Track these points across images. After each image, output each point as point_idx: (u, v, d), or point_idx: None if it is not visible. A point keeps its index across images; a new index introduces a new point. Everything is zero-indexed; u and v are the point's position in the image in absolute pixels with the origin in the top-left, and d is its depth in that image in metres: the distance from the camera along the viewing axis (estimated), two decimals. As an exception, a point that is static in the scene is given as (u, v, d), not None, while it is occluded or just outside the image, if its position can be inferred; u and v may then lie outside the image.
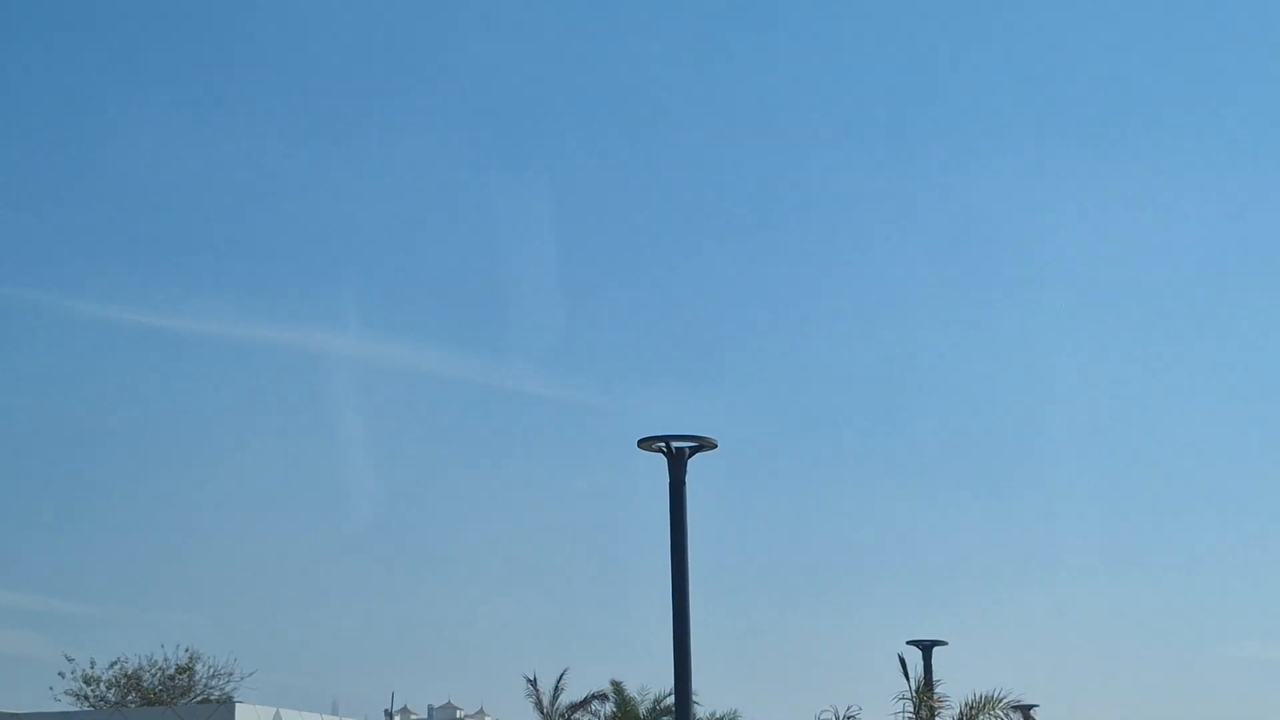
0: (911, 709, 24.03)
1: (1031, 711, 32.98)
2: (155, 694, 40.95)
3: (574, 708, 39.73)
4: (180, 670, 43.89)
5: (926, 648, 24.79)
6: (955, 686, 26.27)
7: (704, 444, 16.19)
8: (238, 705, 33.94)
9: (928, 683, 24.23)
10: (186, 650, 43.94)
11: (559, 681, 39.48)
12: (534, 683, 39.30)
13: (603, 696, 40.23)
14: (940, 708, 24.14)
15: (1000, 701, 24.61)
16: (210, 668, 43.40)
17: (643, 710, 41.33)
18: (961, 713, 24.46)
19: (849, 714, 22.46)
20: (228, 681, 45.52)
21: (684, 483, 16.09)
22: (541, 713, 38.58)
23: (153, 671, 41.65)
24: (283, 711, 43.52)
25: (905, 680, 24.52)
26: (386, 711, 53.47)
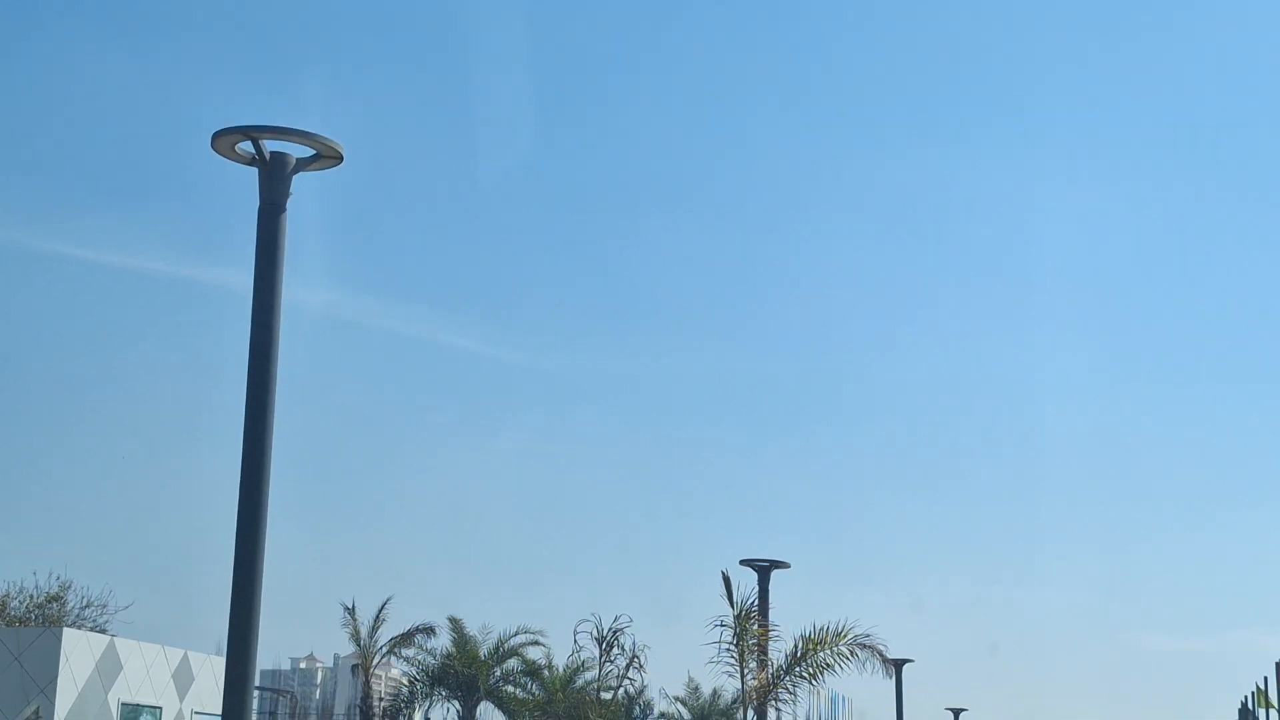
0: (732, 636, 19.36)
1: (904, 667, 30.17)
2: (23, 622, 39.62)
3: (397, 641, 35.80)
4: (50, 598, 42.32)
5: (763, 569, 20.15)
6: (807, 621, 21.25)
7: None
8: (65, 630, 32.03)
9: (762, 608, 19.83)
10: (58, 579, 42.45)
11: (380, 611, 35.19)
12: (351, 611, 35.06)
13: (428, 630, 36.32)
14: (765, 636, 19.66)
15: (845, 635, 19.78)
16: (83, 598, 42.01)
17: (484, 650, 38.10)
18: (797, 645, 19.95)
19: (617, 625, 19.94)
20: (101, 613, 44.21)
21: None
22: (358, 644, 34.63)
23: (21, 599, 40.43)
24: (117, 640, 42.67)
25: (729, 602, 19.67)
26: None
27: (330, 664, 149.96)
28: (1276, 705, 38.27)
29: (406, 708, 37.00)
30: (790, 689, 18.76)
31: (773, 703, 18.83)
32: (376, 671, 41.79)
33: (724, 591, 18.74)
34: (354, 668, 33.44)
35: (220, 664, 55.24)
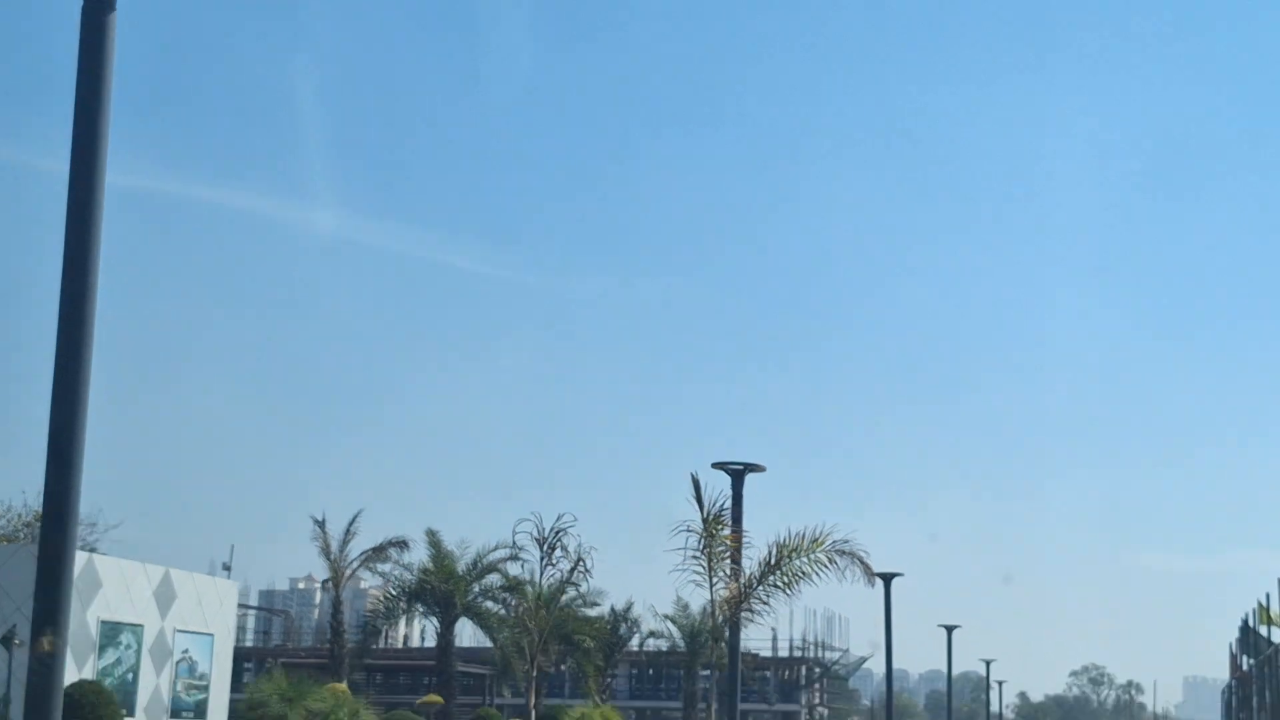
0: (699, 542, 17.48)
1: (893, 581, 28.52)
2: (10, 540, 39.19)
3: (368, 555, 34.23)
4: (40, 517, 42.22)
5: (737, 473, 18.20)
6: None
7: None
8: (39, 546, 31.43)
9: (735, 515, 17.81)
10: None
11: (350, 525, 33.36)
12: (322, 525, 33.32)
13: (402, 544, 34.63)
14: (737, 542, 17.75)
15: (823, 542, 17.78)
16: None
17: (462, 566, 36.71)
18: (770, 552, 18.00)
19: (561, 524, 18.28)
20: (90, 532, 43.93)
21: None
22: (328, 558, 33.02)
23: (8, 518, 39.89)
24: (95, 557, 42.36)
25: (697, 507, 17.68)
26: (225, 565, 51.73)
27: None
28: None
29: (384, 623, 35.63)
30: (764, 599, 17.10)
31: (746, 614, 17.15)
32: (362, 589, 40.55)
33: (693, 494, 16.76)
34: (324, 582, 31.94)
35: (206, 582, 54.40)
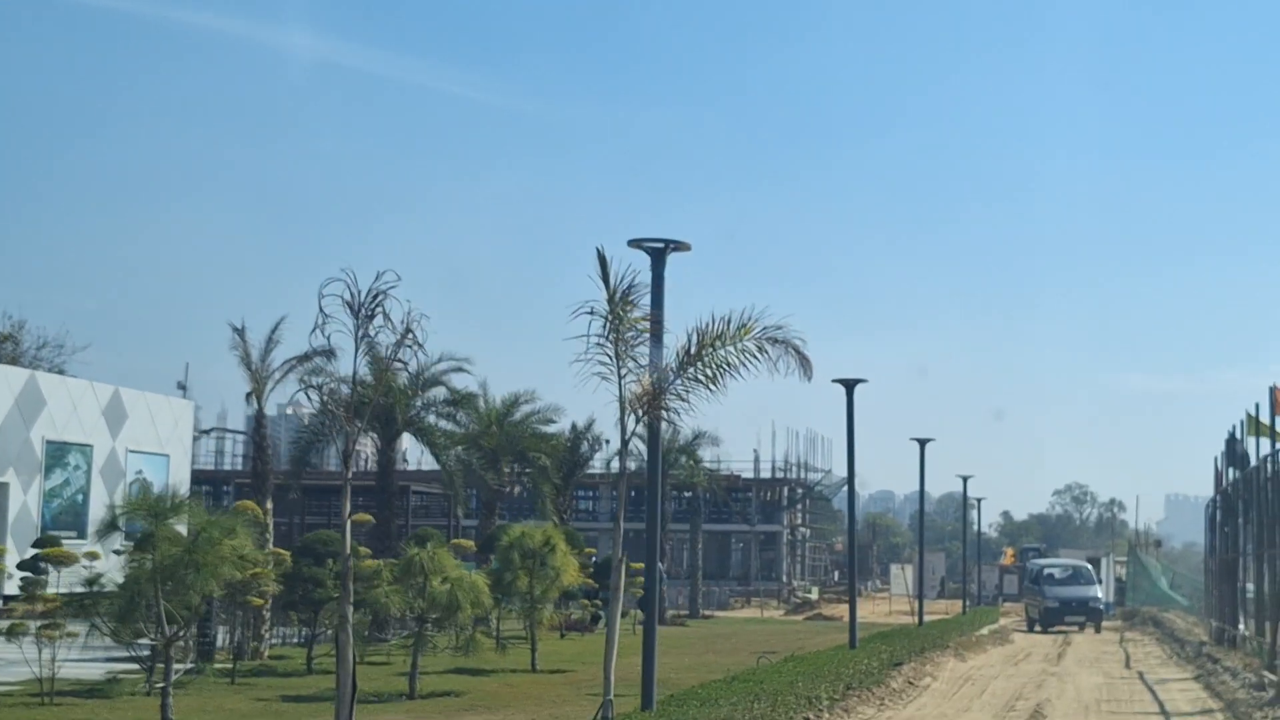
0: (603, 326, 14.17)
1: (856, 388, 25.90)
2: None
3: (292, 363, 29.18)
4: (3, 338, 40.47)
5: (656, 252, 15.05)
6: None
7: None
8: None
9: (655, 300, 14.81)
10: (10, 319, 40.60)
11: (273, 332, 29.13)
12: (240, 332, 29.15)
13: (329, 352, 31.18)
14: (653, 325, 14.44)
15: (751, 329, 14.73)
16: (39, 339, 40.29)
17: (403, 377, 33.21)
18: (690, 339, 14.78)
19: (381, 284, 12.74)
20: (58, 353, 42.31)
21: None
22: (248, 368, 29.18)
23: None
24: (39, 375, 40.65)
25: (604, 285, 14.26)
26: (180, 384, 49.71)
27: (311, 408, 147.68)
28: (1270, 429, 35.06)
29: (319, 440, 33.26)
30: (684, 395, 14.48)
31: (665, 413, 14.53)
32: (302, 409, 38.29)
33: (599, 273, 13.89)
34: (247, 395, 29.41)
35: (159, 401, 51.84)
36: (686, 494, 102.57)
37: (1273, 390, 35.71)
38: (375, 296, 10.40)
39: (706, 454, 78.49)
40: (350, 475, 12.38)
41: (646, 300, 14.62)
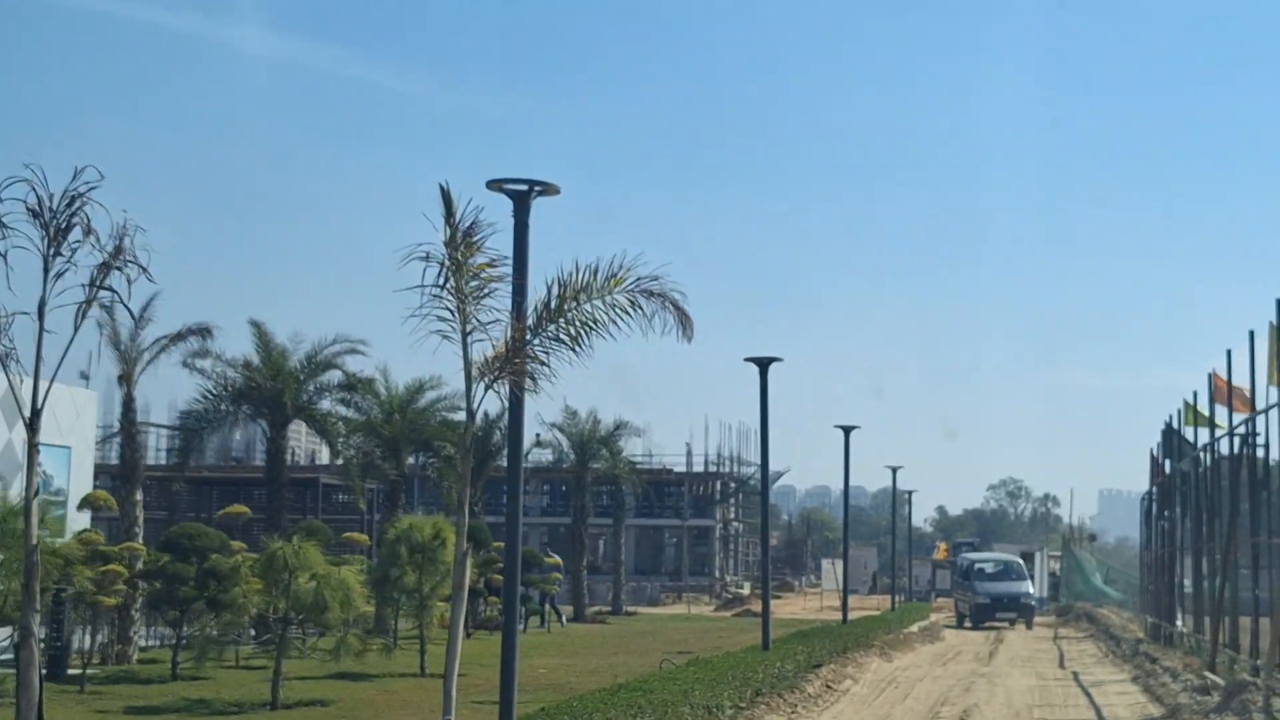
0: (439, 274, 11.59)
1: (771, 368, 23.82)
2: None
3: (164, 343, 27.70)
4: None
5: (520, 195, 12.56)
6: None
7: None
8: None
9: (518, 255, 12.29)
10: None
11: (144, 309, 26.75)
12: (109, 308, 25.77)
13: (204, 330, 27.70)
14: (487, 274, 11.81)
15: (623, 280, 12.44)
16: None
17: (294, 362, 31.22)
18: (550, 292, 12.54)
19: (79, 185, 9.45)
20: None
21: None
22: (116, 347, 27.03)
23: None
24: None
25: (447, 227, 11.54)
26: (83, 373, 46.72)
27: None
28: (1209, 418, 33.34)
29: (207, 428, 30.69)
30: (542, 358, 12.12)
31: (527, 380, 12.12)
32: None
33: (443, 212, 11.46)
34: (119, 378, 26.80)
35: (59, 391, 49.08)
36: (606, 488, 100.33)
37: (1212, 377, 33.94)
38: (71, 201, 7.95)
39: (637, 447, 76.23)
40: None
41: (501, 249, 12.25)
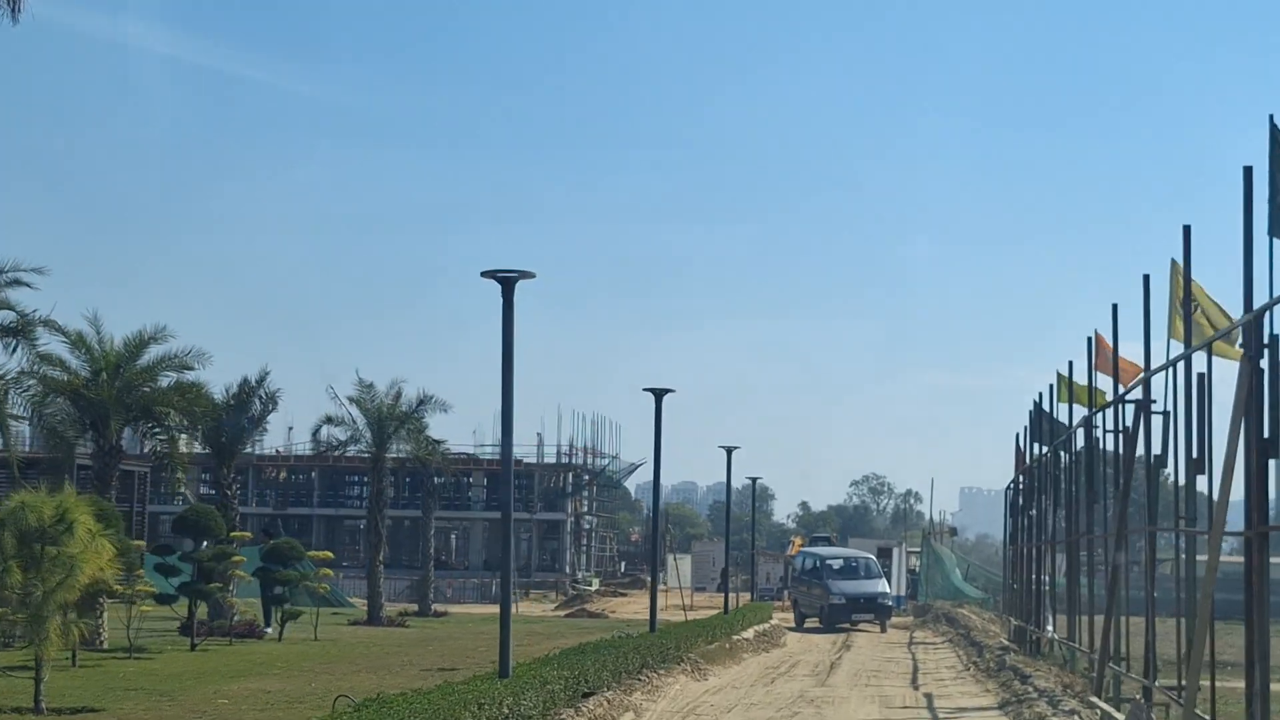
0: None
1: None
2: None
3: None
4: None
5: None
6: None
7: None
8: None
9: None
10: None
11: None
12: None
13: None
14: None
15: None
16: None
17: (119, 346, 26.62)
18: None
19: None
20: None
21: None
22: None
23: None
24: None
25: None
26: None
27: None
28: (1089, 389, 27.59)
29: None
30: None
31: None
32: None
33: None
34: None
35: None
36: (453, 478, 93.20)
37: (1092, 341, 28.01)
38: None
39: (465, 433, 69.00)
40: None
41: None
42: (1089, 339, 27.70)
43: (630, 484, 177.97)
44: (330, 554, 34.23)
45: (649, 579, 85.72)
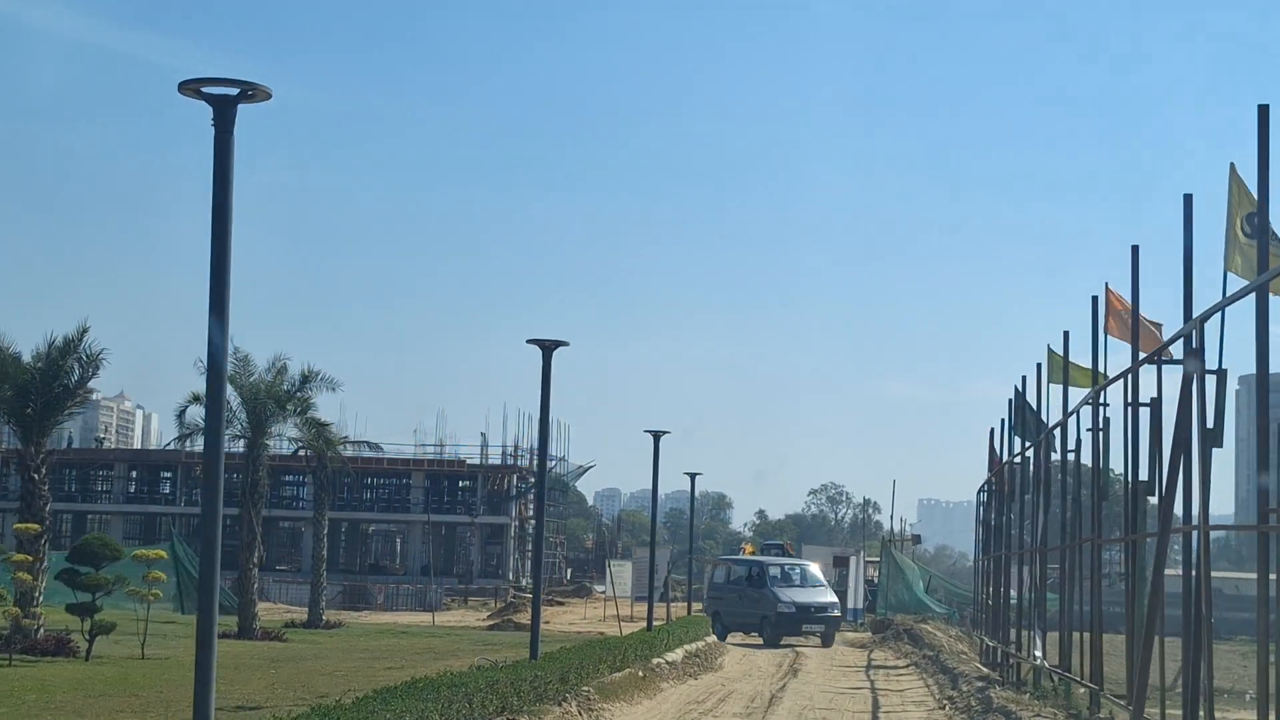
0: None
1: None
2: None
3: None
4: None
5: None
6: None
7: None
8: None
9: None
10: None
11: None
12: None
13: None
14: None
15: None
16: None
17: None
18: None
19: None
20: None
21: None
22: None
23: None
24: None
25: None
26: None
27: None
28: (1092, 371, 21.47)
29: None
30: None
31: None
32: None
33: None
34: None
35: None
36: (393, 480, 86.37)
37: (1099, 301, 22.14)
38: None
39: (427, 435, 62.48)
40: None
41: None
42: (1094, 298, 21.61)
43: (588, 491, 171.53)
44: (163, 554, 27.51)
45: (596, 587, 78.67)
